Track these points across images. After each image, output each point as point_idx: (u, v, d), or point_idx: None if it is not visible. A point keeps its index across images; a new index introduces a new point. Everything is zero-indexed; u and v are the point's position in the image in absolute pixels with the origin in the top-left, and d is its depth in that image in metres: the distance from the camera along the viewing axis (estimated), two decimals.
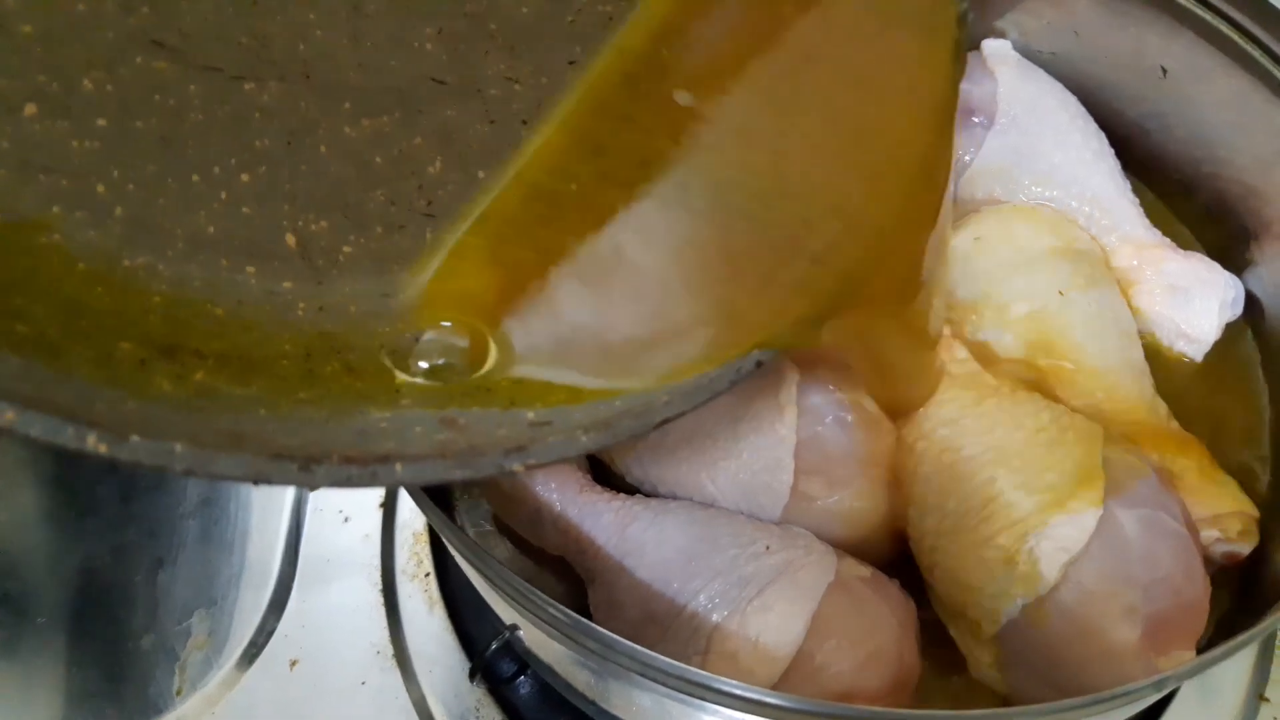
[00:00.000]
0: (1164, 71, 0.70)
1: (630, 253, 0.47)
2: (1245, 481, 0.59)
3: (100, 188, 0.40)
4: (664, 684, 0.44)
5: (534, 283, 0.46)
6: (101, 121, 0.41)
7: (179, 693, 0.67)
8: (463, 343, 0.43)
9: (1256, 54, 0.64)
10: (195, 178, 0.42)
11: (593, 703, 0.60)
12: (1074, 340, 0.61)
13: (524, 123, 0.49)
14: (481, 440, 0.39)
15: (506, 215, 0.47)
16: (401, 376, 0.41)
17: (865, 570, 0.54)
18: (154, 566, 0.71)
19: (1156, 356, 0.65)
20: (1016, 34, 0.75)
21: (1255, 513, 0.57)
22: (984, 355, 0.61)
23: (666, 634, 0.52)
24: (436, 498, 0.53)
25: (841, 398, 0.57)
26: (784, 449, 0.56)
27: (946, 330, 0.62)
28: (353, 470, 0.35)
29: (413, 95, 0.47)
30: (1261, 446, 0.65)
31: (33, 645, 0.68)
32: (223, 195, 0.42)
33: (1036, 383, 0.60)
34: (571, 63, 0.51)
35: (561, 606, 0.45)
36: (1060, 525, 0.51)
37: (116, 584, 0.71)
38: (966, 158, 0.70)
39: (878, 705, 0.50)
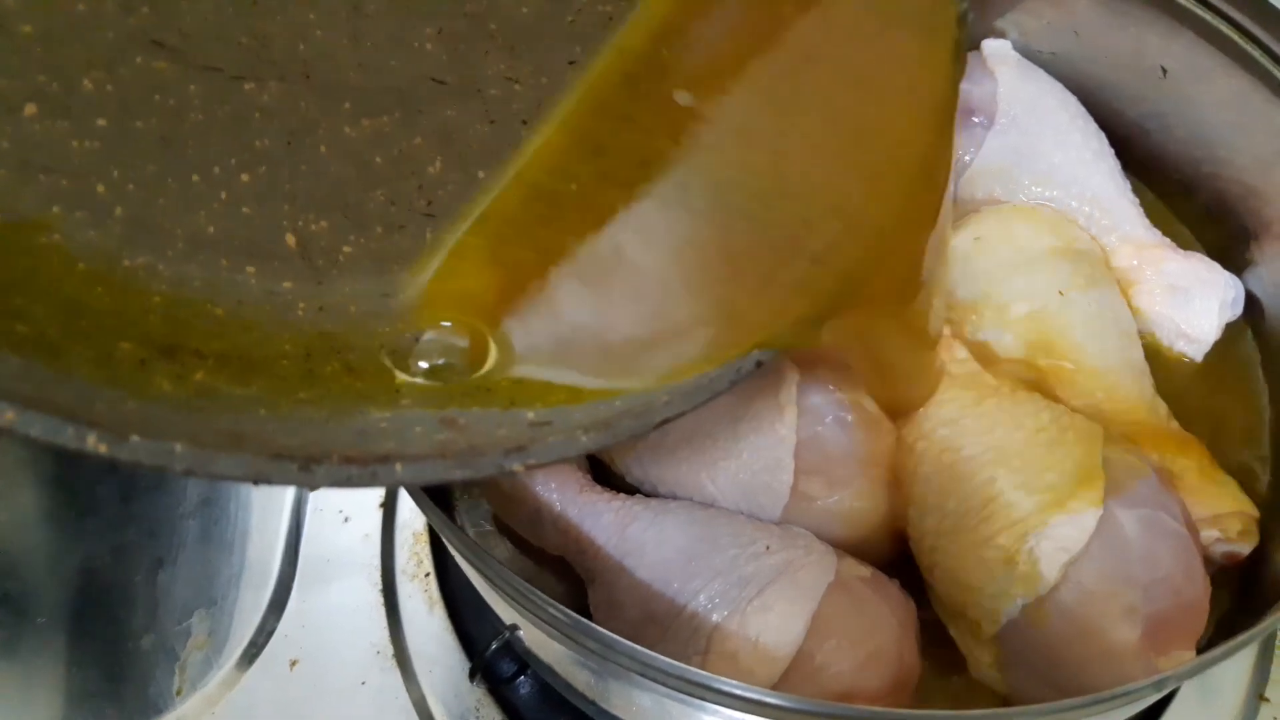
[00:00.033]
0: (1164, 71, 0.70)
1: (630, 253, 0.47)
2: (1245, 481, 0.59)
3: (100, 188, 0.40)
4: (664, 684, 0.44)
5: (534, 283, 0.46)
6: (101, 121, 0.41)
7: (179, 693, 0.67)
8: (463, 343, 0.43)
9: (1256, 54, 0.64)
10: (195, 178, 0.42)
11: (593, 703, 0.60)
12: (1074, 340, 0.61)
13: (524, 123, 0.49)
14: (481, 440, 0.39)
15: (507, 215, 0.47)
16: (401, 376, 0.41)
17: (865, 570, 0.54)
18: (154, 566, 0.71)
19: (1156, 356, 0.65)
20: (1016, 34, 0.75)
21: (1255, 513, 0.57)
22: (984, 355, 0.61)
23: (666, 634, 0.52)
24: (437, 498, 0.53)
25: (841, 398, 0.57)
26: (784, 449, 0.56)
27: (946, 330, 0.62)
28: (353, 470, 0.35)
29: (413, 95, 0.47)
30: (1261, 446, 0.65)
31: (33, 645, 0.68)
32: (223, 195, 0.42)
33: (1036, 383, 0.60)
34: (571, 63, 0.51)
35: (561, 606, 0.45)
36: (1060, 525, 0.51)
37: (116, 584, 0.71)
38: (966, 158, 0.70)
39: (878, 705, 0.50)
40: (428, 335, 0.43)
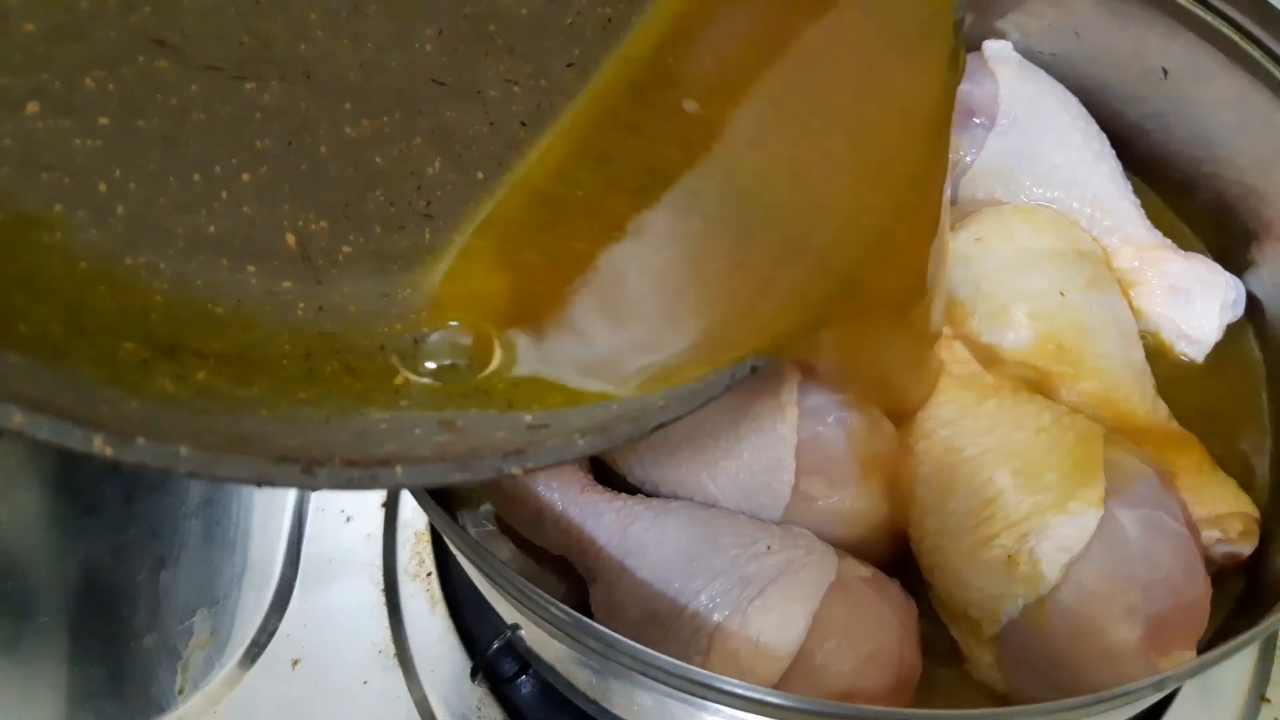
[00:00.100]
0: (1164, 72, 0.70)
1: (634, 259, 0.47)
2: (1245, 482, 0.59)
3: (102, 186, 0.40)
4: (665, 683, 0.44)
5: (539, 286, 0.46)
6: (103, 120, 0.41)
7: (181, 692, 0.68)
8: (466, 343, 0.43)
9: (1256, 54, 0.63)
10: (196, 177, 0.42)
11: (594, 702, 0.60)
12: (1075, 341, 0.61)
13: (523, 124, 0.49)
14: (480, 443, 0.39)
15: (514, 220, 0.47)
16: (400, 377, 0.42)
17: (866, 570, 0.54)
18: (156, 566, 0.72)
19: (1158, 357, 0.65)
20: (1017, 35, 0.75)
21: (1256, 513, 0.57)
22: (985, 356, 0.61)
23: (668, 633, 0.52)
24: (439, 497, 0.53)
25: (842, 398, 0.57)
26: (785, 449, 0.56)
27: (947, 330, 0.62)
28: (354, 473, 0.36)
29: (413, 96, 0.47)
30: (1262, 447, 0.65)
31: (35, 644, 0.69)
32: (224, 195, 0.42)
33: (1037, 383, 0.60)
34: (570, 65, 0.51)
35: (563, 606, 0.45)
36: (1061, 525, 0.51)
37: (119, 583, 0.71)
38: (968, 158, 0.70)
39: (878, 705, 0.50)
40: (433, 336, 0.43)
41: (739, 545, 0.53)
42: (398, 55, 0.47)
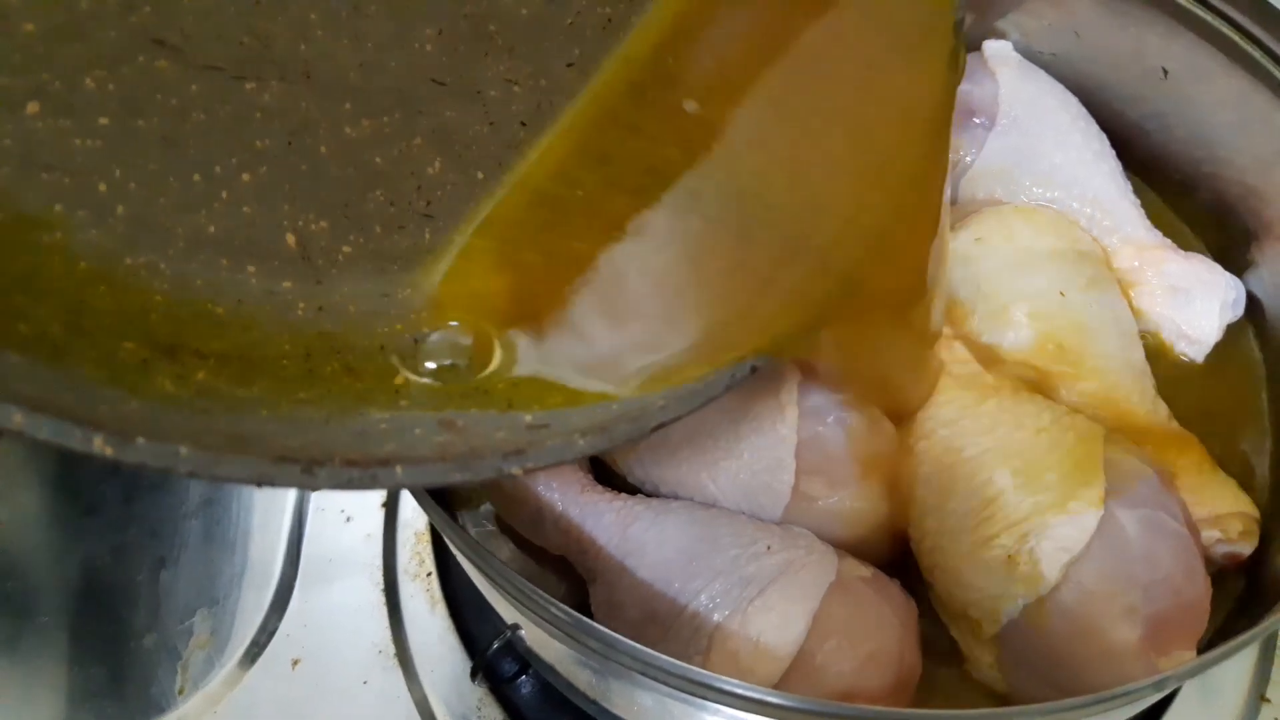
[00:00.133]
0: (1164, 72, 0.70)
1: (634, 259, 0.47)
2: (1245, 482, 0.59)
3: (102, 186, 0.40)
4: (665, 683, 0.44)
5: (539, 286, 0.46)
6: (103, 120, 0.41)
7: (181, 692, 0.68)
8: (466, 343, 0.43)
9: (1256, 54, 0.63)
10: (196, 177, 0.42)
11: (594, 702, 0.60)
12: (1075, 341, 0.61)
13: (523, 124, 0.49)
14: (480, 443, 0.39)
15: (514, 220, 0.47)
16: (400, 377, 0.42)
17: (866, 570, 0.54)
18: (156, 566, 0.72)
19: (1158, 357, 0.65)
20: (1017, 35, 0.75)
21: (1255, 513, 0.57)
22: (985, 355, 0.61)
23: (668, 633, 0.52)
24: (439, 497, 0.53)
25: (842, 398, 0.57)
26: (785, 449, 0.56)
27: (947, 330, 0.62)
28: (354, 473, 0.36)
29: (412, 96, 0.47)
30: (1262, 447, 0.65)
31: (35, 644, 0.69)
32: (224, 195, 0.42)
33: (1037, 383, 0.60)
34: (570, 65, 0.51)
35: (563, 606, 0.45)
36: (1061, 525, 0.51)
37: (119, 583, 0.71)
38: (968, 158, 0.70)
39: (878, 705, 0.50)
40: (432, 336, 0.43)
41: (739, 545, 0.53)
42: (398, 55, 0.47)
